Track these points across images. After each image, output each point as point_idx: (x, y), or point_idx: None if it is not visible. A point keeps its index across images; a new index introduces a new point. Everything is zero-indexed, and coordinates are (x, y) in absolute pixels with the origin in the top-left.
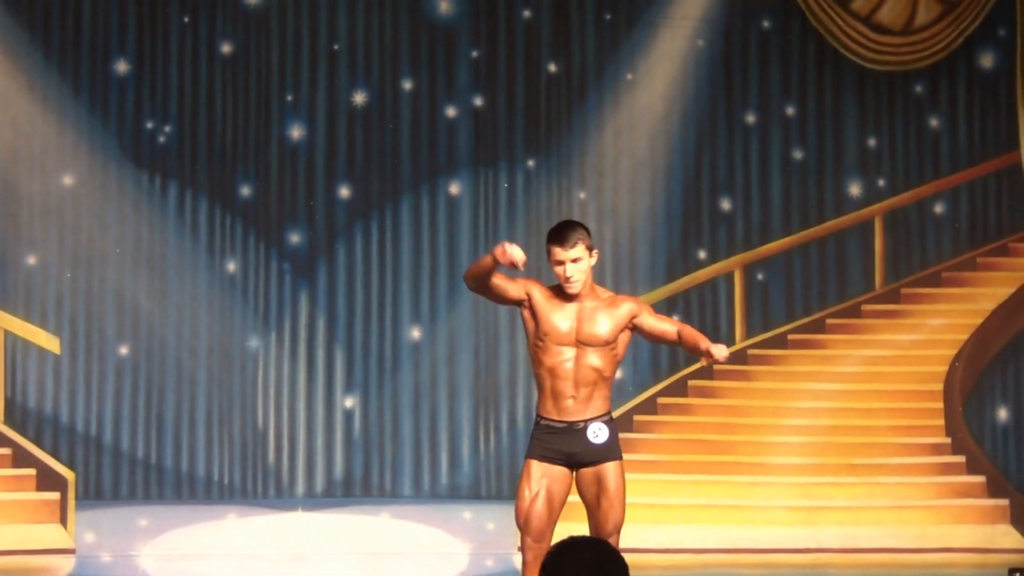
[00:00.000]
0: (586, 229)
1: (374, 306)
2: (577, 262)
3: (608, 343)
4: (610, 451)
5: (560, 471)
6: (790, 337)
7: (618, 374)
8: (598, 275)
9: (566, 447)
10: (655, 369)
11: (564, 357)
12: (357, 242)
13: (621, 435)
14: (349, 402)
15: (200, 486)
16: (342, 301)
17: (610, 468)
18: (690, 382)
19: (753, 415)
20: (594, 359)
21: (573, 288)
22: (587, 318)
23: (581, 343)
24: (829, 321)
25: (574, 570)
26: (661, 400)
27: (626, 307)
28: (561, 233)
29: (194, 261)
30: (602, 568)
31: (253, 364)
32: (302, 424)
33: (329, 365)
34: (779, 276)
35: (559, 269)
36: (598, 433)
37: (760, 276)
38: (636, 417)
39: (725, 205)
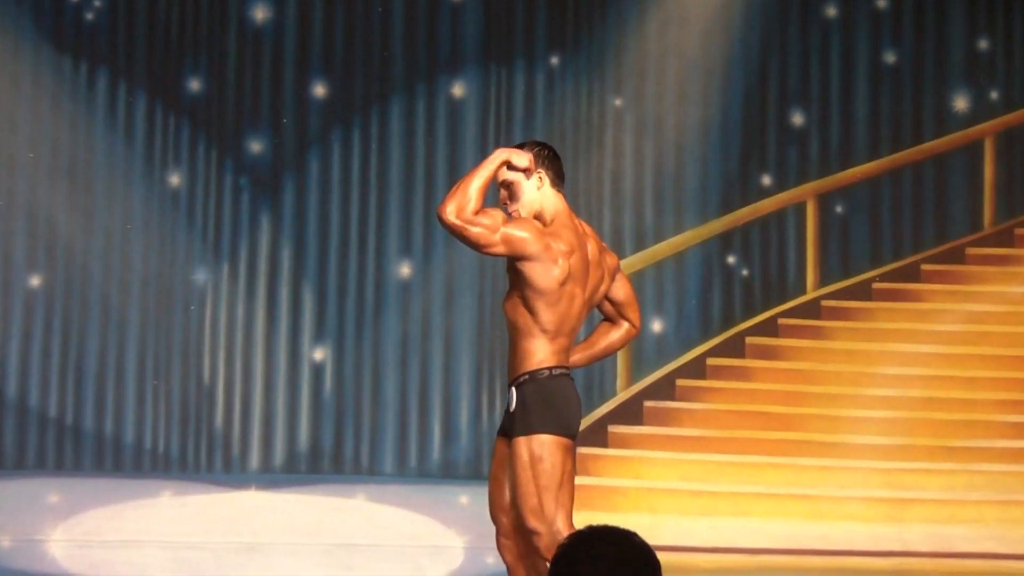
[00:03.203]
0: (527, 149)
1: (353, 234)
2: (509, 186)
3: (511, 281)
4: (519, 422)
5: (498, 445)
6: (875, 286)
7: (657, 327)
8: (635, 201)
9: (506, 415)
10: (705, 322)
11: None
12: (334, 154)
13: (662, 403)
14: (319, 354)
15: (128, 455)
16: (313, 227)
17: (514, 444)
18: (748, 339)
19: (827, 382)
20: (507, 304)
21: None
22: None
23: None
24: (924, 267)
25: (592, 568)
26: (711, 361)
27: None
28: None
29: (128, 172)
30: (628, 566)
31: (199, 303)
32: (259, 380)
33: (295, 307)
34: (863, 210)
35: None
36: (511, 399)
37: (839, 209)
38: (679, 382)
39: (797, 119)
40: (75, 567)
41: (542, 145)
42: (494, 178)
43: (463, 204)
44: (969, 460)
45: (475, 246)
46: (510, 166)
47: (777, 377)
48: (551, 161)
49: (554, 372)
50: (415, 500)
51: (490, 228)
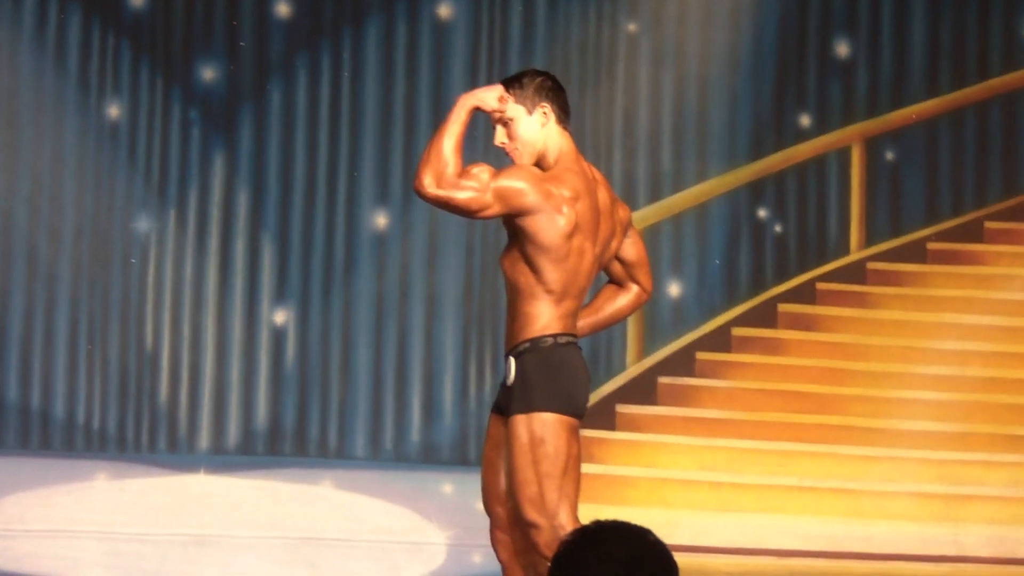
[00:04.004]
0: (529, 79)
1: (321, 178)
2: (507, 124)
3: (509, 234)
4: (518, 398)
5: (493, 424)
6: (931, 247)
7: (674, 291)
8: (651, 143)
9: (502, 389)
10: (730, 285)
11: None
12: (299, 83)
13: (679, 380)
14: (280, 317)
15: (57, 432)
16: (274, 168)
17: (512, 424)
18: (781, 307)
19: (872, 358)
20: (505, 260)
21: (517, 163)
22: None
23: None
24: (989, 225)
25: (600, 570)
26: (737, 331)
27: None
28: None
29: (59, 102)
30: (641, 568)
31: (141, 256)
32: (210, 347)
33: (252, 262)
34: (918, 156)
35: None
36: (508, 370)
37: (890, 155)
38: (700, 355)
39: (841, 49)
40: None
41: (544, 75)
42: (491, 122)
43: (440, 170)
44: None
45: (467, 213)
46: (495, 112)
47: (814, 351)
48: (555, 93)
49: (559, 340)
50: (391, 488)
51: (479, 189)
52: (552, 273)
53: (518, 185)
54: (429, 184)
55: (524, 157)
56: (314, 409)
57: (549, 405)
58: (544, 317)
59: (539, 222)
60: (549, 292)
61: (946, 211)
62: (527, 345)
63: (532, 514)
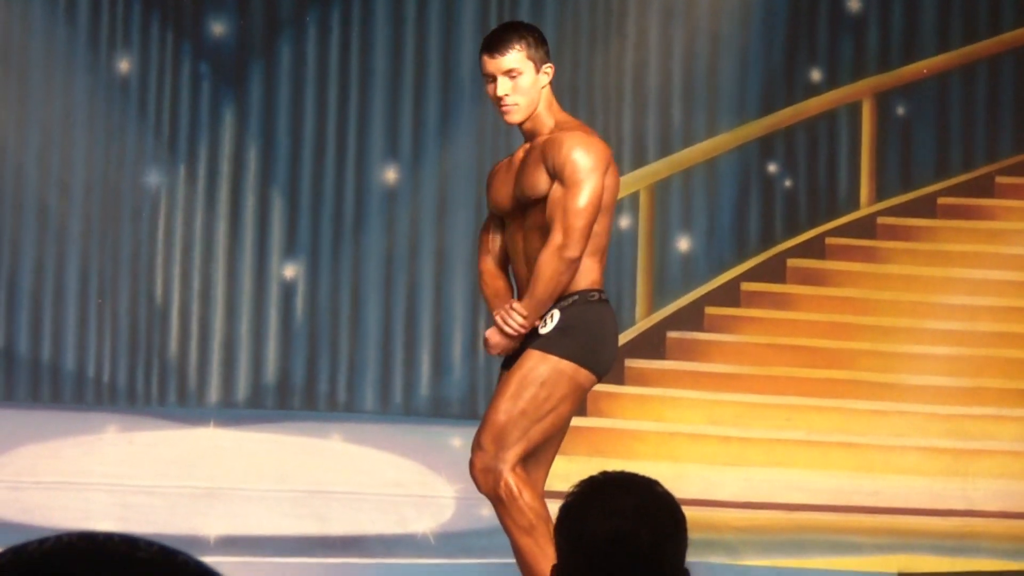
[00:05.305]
0: (535, 34)
1: (331, 132)
2: (515, 77)
3: (536, 198)
4: (548, 337)
5: (503, 379)
6: (941, 202)
7: (684, 245)
8: (661, 98)
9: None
10: (739, 240)
11: (511, 231)
12: (309, 37)
13: (688, 334)
14: (290, 272)
15: (68, 385)
16: (283, 123)
17: (527, 355)
18: (790, 262)
19: (882, 313)
20: (539, 224)
21: (512, 116)
22: (525, 166)
23: (520, 204)
24: (999, 180)
25: (606, 522)
26: (747, 286)
27: (556, 147)
28: (494, 36)
29: (69, 57)
30: (648, 519)
31: (151, 210)
32: (220, 301)
33: (262, 216)
34: (928, 111)
35: (490, 88)
36: (547, 320)
37: (901, 110)
38: (709, 310)
39: (853, 3)
40: (5, 511)
41: (537, 29)
42: (482, 75)
43: (569, 252)
44: None
45: (599, 207)
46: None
47: (823, 306)
48: (547, 49)
49: (603, 297)
50: (400, 442)
51: (584, 207)
52: (600, 225)
53: (593, 153)
54: (573, 249)
55: (518, 113)
56: (323, 363)
57: (572, 355)
58: (592, 273)
59: (610, 178)
60: (597, 247)
61: (956, 166)
62: (576, 297)
63: (486, 437)
